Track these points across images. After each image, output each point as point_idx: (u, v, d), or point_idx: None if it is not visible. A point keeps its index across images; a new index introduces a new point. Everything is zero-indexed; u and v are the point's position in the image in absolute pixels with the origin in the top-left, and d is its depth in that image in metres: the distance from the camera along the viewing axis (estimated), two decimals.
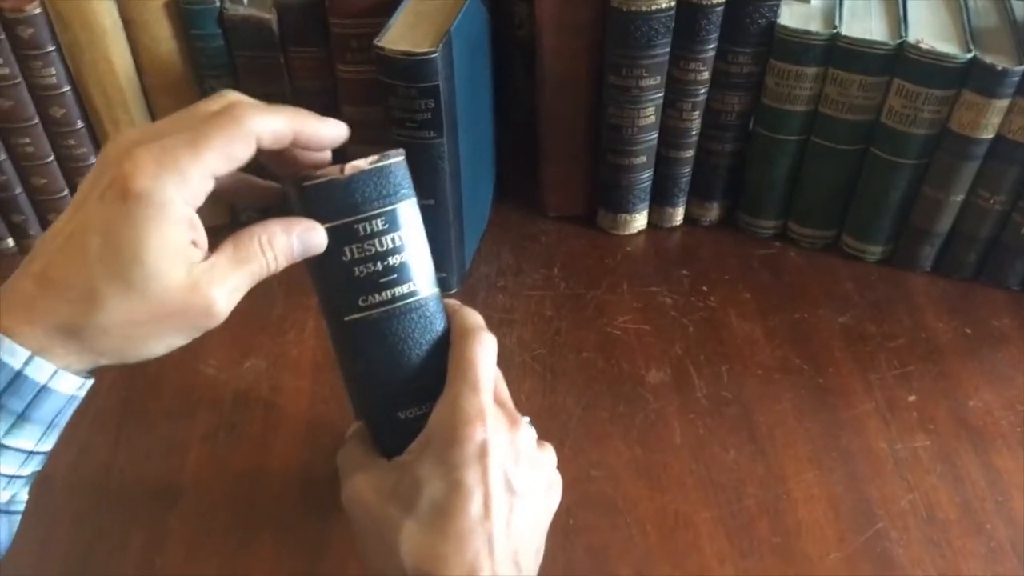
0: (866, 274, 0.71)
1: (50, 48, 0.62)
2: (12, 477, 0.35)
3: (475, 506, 0.36)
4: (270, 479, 0.56)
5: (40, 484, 0.54)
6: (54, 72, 0.63)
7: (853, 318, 0.67)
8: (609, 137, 0.69)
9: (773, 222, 0.74)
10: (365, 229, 0.38)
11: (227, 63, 0.65)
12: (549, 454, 0.42)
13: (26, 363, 0.32)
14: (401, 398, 0.41)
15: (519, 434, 0.40)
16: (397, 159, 0.39)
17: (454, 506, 0.36)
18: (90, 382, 0.36)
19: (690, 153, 0.71)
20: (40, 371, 0.33)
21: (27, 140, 0.67)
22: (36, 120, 0.66)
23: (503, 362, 0.43)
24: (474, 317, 0.42)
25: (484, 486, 0.37)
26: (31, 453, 0.35)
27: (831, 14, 0.63)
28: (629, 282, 0.70)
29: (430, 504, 0.37)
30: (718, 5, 0.62)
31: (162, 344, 0.35)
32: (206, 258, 0.35)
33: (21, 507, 0.37)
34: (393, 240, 0.39)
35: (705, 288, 0.70)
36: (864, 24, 0.63)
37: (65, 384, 0.34)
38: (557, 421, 0.59)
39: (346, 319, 0.40)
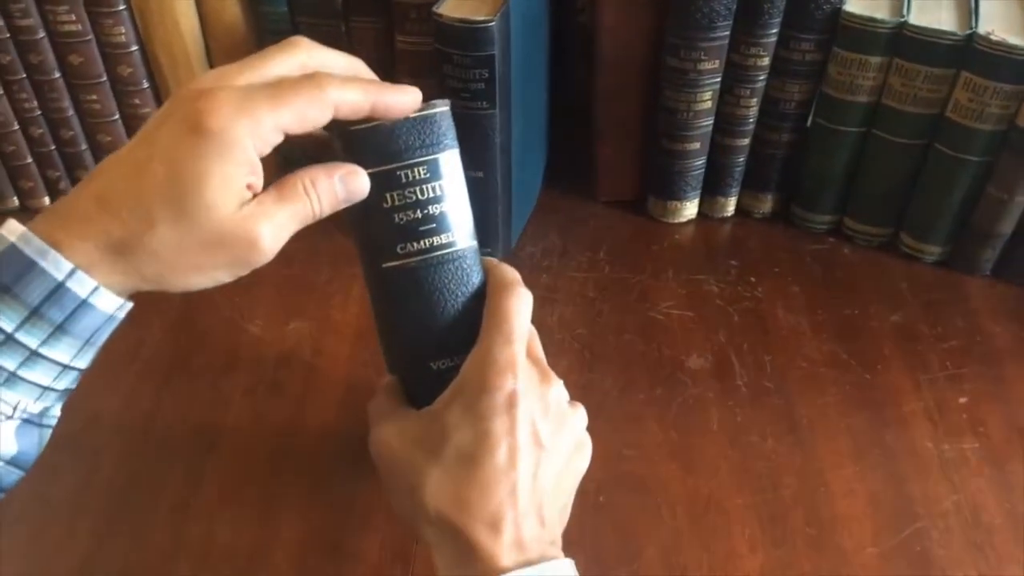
0: (922, 275, 0.69)
1: (121, 6, 0.64)
2: (45, 389, 0.36)
3: (501, 455, 0.36)
4: (306, 436, 0.56)
5: (88, 422, 0.56)
6: (123, 31, 0.65)
7: (906, 317, 0.65)
8: (664, 121, 0.68)
9: (828, 217, 0.72)
10: (407, 176, 0.39)
11: (289, 30, 0.66)
12: (580, 414, 0.42)
13: (69, 275, 0.33)
14: (434, 348, 0.41)
15: (550, 389, 0.40)
16: (443, 109, 0.40)
17: (480, 454, 0.36)
18: (129, 305, 0.36)
19: (745, 142, 0.70)
20: (81, 285, 0.33)
21: (94, 97, 0.69)
22: (104, 78, 0.68)
23: (543, 338, 0.44)
24: (511, 272, 0.42)
25: (511, 436, 0.37)
26: (65, 367, 0.36)
27: (900, 2, 0.62)
28: (675, 269, 0.69)
29: (456, 451, 0.37)
30: None
31: (207, 277, 0.36)
32: (255, 197, 0.36)
33: (53, 422, 0.38)
34: (434, 189, 0.39)
35: (753, 279, 0.68)
36: (933, 14, 0.61)
37: (105, 302, 0.34)
38: (593, 400, 0.57)
39: (384, 266, 0.40)
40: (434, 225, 0.40)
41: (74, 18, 0.64)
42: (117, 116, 0.70)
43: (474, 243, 0.41)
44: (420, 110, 0.39)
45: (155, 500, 0.52)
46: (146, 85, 0.69)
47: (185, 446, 0.55)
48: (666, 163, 0.70)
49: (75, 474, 0.54)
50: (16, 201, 0.75)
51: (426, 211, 0.39)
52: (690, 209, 0.74)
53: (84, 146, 0.71)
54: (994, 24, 0.59)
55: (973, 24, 0.59)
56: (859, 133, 0.66)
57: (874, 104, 0.64)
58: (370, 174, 0.38)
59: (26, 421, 0.36)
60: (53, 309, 0.33)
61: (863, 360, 0.62)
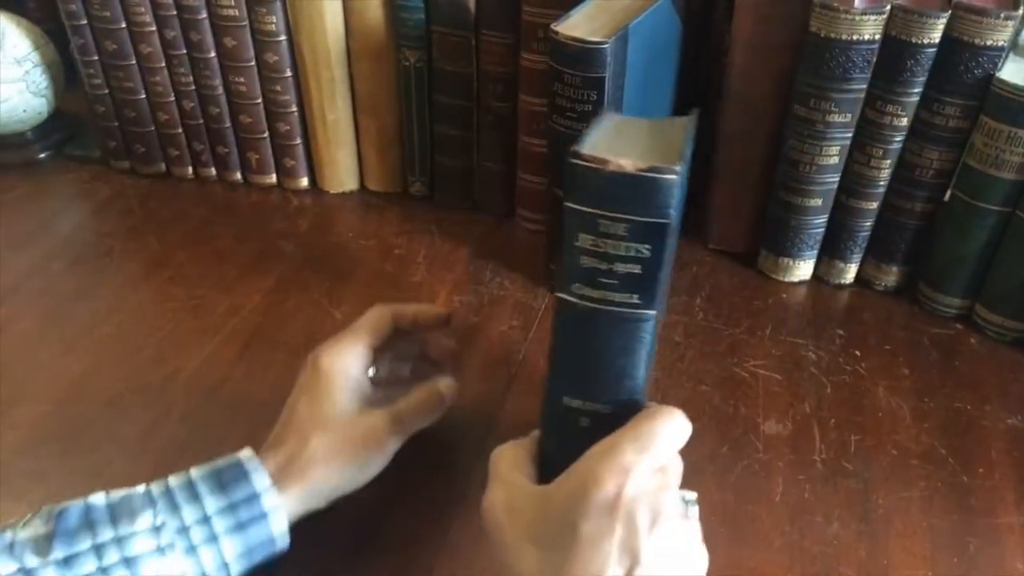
0: None
1: None
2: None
3: (586, 559, 0.36)
4: None
5: (167, 377, 0.59)
6: (274, 20, 0.70)
7: None
8: (784, 171, 0.65)
9: (958, 301, 0.66)
10: (606, 227, 0.37)
11: (423, 37, 0.68)
12: (693, 527, 0.40)
13: (265, 490, 0.44)
14: (572, 384, 0.41)
15: (665, 500, 0.37)
16: (668, 176, 0.36)
17: (567, 550, 0.36)
18: (286, 543, 0.45)
19: (874, 205, 0.65)
20: (269, 500, 0.44)
21: (242, 79, 0.74)
22: (253, 62, 0.73)
23: None
24: (678, 412, 0.40)
25: (602, 543, 0.36)
26: (224, 564, 0.43)
27: None
28: (774, 328, 0.65)
29: (551, 539, 0.37)
30: (930, 46, 0.57)
31: (350, 480, 0.47)
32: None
33: None
34: (627, 249, 0.38)
35: (858, 352, 0.63)
36: None
37: (276, 521, 0.44)
38: None
39: (558, 294, 0.40)
40: (616, 282, 0.38)
41: (233, 3, 0.69)
42: (260, 100, 0.75)
43: (651, 312, 0.39)
44: (640, 169, 0.36)
45: (210, 456, 0.54)
46: (289, 73, 0.73)
47: (248, 413, 0.57)
48: (783, 216, 0.67)
49: (144, 420, 0.57)
50: (164, 167, 0.81)
51: (612, 266, 0.38)
52: (804, 269, 0.69)
53: (228, 123, 0.77)
54: None
55: None
56: (1001, 213, 0.60)
57: (1021, 183, 0.58)
58: (569, 207, 0.37)
59: None
60: (243, 509, 0.43)
61: (964, 459, 0.55)
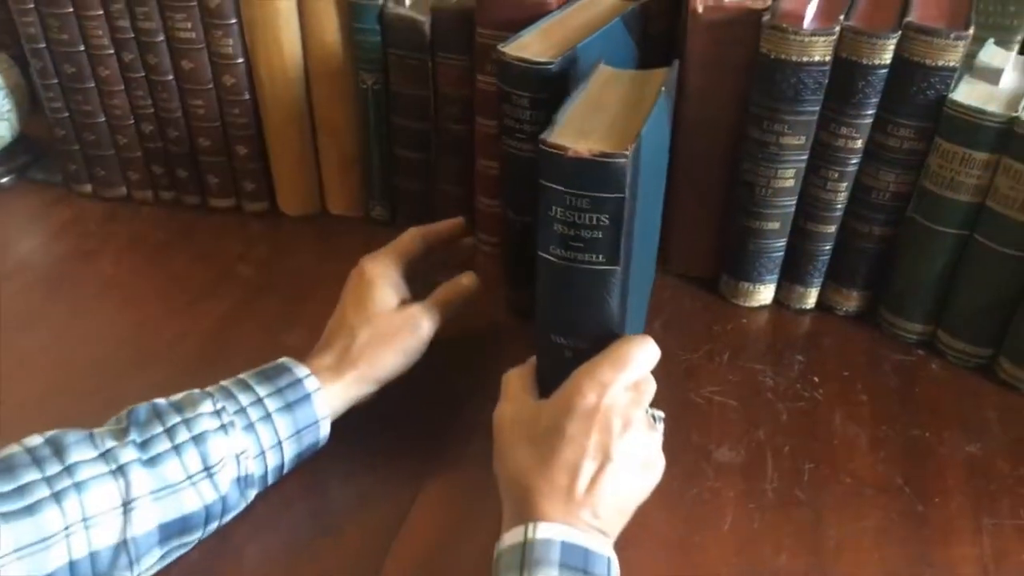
0: (1018, 407, 0.60)
1: (232, 20, 0.69)
2: (262, 452, 0.49)
3: (568, 454, 0.44)
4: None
5: (103, 406, 0.58)
6: (231, 43, 0.70)
7: (985, 450, 0.56)
8: (741, 195, 0.64)
9: (920, 326, 0.64)
10: (571, 201, 0.44)
11: (380, 59, 0.68)
12: (655, 437, 0.48)
13: (305, 376, 0.51)
14: (555, 324, 0.49)
15: (635, 412, 0.45)
16: (619, 160, 0.42)
17: (554, 448, 0.44)
18: (327, 425, 0.52)
19: (832, 229, 0.64)
20: (311, 384, 0.51)
21: (200, 102, 0.73)
22: (211, 85, 0.72)
23: None
24: (648, 339, 0.48)
25: (581, 441, 0.44)
26: (278, 444, 0.50)
27: (1017, 100, 0.55)
28: (733, 353, 0.64)
29: (540, 438, 0.45)
30: (881, 68, 0.56)
31: (397, 358, 0.55)
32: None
33: (243, 503, 0.50)
34: (591, 219, 0.44)
35: (816, 379, 0.62)
36: None
37: (319, 403, 0.51)
38: None
39: (538, 253, 0.47)
40: (582, 244, 0.45)
41: (190, 26, 0.69)
42: (218, 123, 0.74)
43: (615, 268, 0.46)
44: (595, 154, 0.42)
45: None
46: (247, 96, 0.73)
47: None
48: (742, 240, 0.66)
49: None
50: (124, 191, 0.80)
51: (579, 233, 0.45)
52: (764, 294, 0.68)
53: (187, 147, 0.76)
54: None
55: None
56: (959, 236, 0.59)
57: (978, 205, 0.57)
58: (542, 184, 0.44)
59: (237, 480, 0.48)
60: (289, 392, 0.50)
61: (920, 488, 0.54)
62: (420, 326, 0.55)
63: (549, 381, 0.48)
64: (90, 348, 0.64)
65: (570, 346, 0.49)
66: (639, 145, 0.43)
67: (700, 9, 0.59)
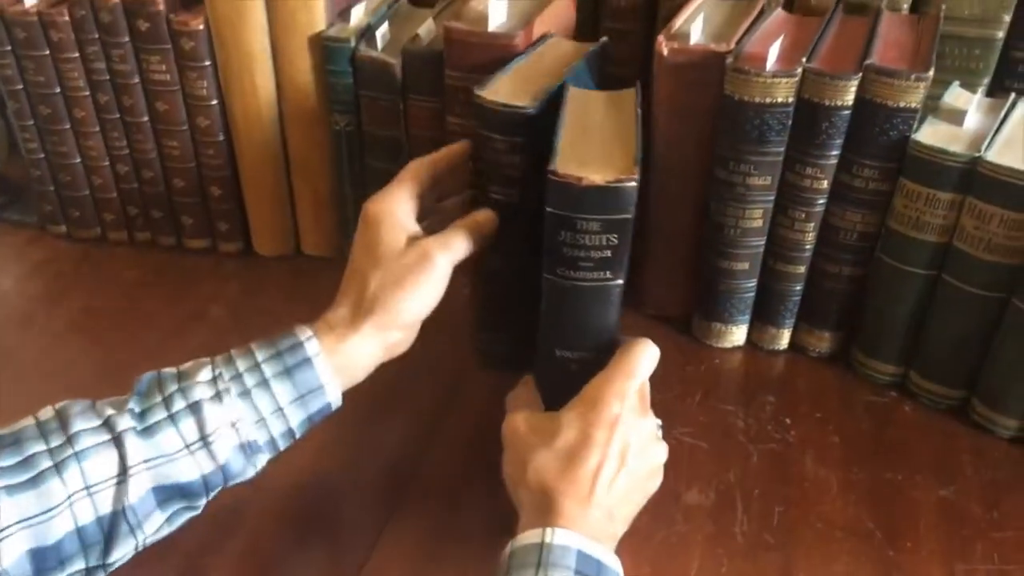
0: (992, 449, 0.59)
1: (206, 63, 0.69)
2: (261, 418, 0.48)
3: (593, 459, 0.46)
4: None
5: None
6: (206, 85, 0.70)
7: (958, 494, 0.56)
8: (711, 235, 0.64)
9: (892, 368, 0.64)
10: (582, 225, 0.47)
11: (352, 101, 0.68)
12: (663, 448, 0.50)
13: (307, 339, 0.49)
14: (562, 340, 0.51)
15: (645, 422, 0.49)
16: (629, 184, 0.46)
17: (579, 453, 0.46)
18: (337, 394, 0.50)
19: (801, 269, 0.64)
20: (312, 348, 0.49)
21: (175, 143, 0.74)
22: (185, 126, 0.73)
23: None
24: (649, 342, 0.51)
25: (605, 447, 0.46)
26: (279, 410, 0.48)
27: (980, 140, 0.56)
28: (704, 394, 0.64)
29: (564, 444, 0.46)
30: (844, 109, 0.56)
31: (416, 299, 0.51)
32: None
33: (252, 471, 0.49)
34: (601, 240, 0.47)
35: (788, 420, 0.61)
36: (1019, 154, 0.54)
37: (321, 367, 0.49)
38: None
39: (545, 275, 0.50)
40: (591, 264, 0.48)
41: (164, 68, 0.70)
42: (193, 164, 0.75)
43: (620, 281, 0.49)
44: (609, 181, 0.45)
45: None
46: (221, 137, 0.73)
47: None
48: (712, 281, 0.66)
49: None
50: (99, 231, 0.80)
51: (589, 254, 0.48)
52: (737, 335, 0.68)
53: (162, 187, 0.76)
54: None
55: None
56: (927, 276, 0.59)
57: (944, 245, 0.57)
58: (553, 213, 0.47)
59: (240, 446, 0.47)
60: (288, 356, 0.49)
61: (891, 532, 0.53)
62: (434, 261, 0.51)
63: (556, 394, 0.50)
64: (58, 386, 0.62)
65: (575, 359, 0.52)
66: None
67: (665, 52, 0.60)
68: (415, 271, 0.50)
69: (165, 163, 0.75)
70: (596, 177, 0.46)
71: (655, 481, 0.50)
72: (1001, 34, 0.65)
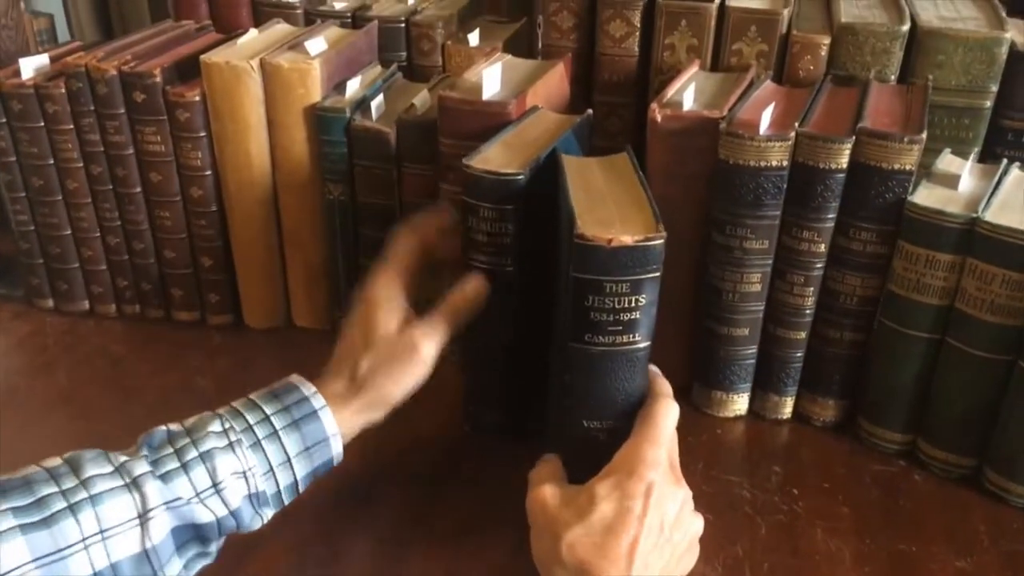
0: (1007, 519, 0.57)
1: (201, 133, 0.69)
2: (270, 469, 0.49)
3: (630, 532, 0.44)
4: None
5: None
6: (200, 156, 0.70)
7: (977, 566, 0.53)
8: (709, 300, 0.63)
9: (899, 436, 0.62)
10: (611, 288, 0.46)
11: (346, 171, 0.68)
12: (699, 522, 0.49)
13: (312, 394, 0.52)
14: (590, 410, 0.50)
15: (680, 491, 0.48)
16: (658, 242, 0.46)
17: (616, 526, 0.44)
18: (339, 444, 0.52)
19: (802, 335, 0.63)
20: (317, 402, 0.51)
21: (167, 214, 0.73)
22: (178, 197, 0.72)
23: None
24: (666, 385, 0.52)
25: (642, 519, 0.45)
26: (287, 461, 0.49)
27: (977, 202, 0.56)
28: (707, 465, 0.62)
29: (600, 517, 0.45)
30: (838, 172, 0.57)
31: (399, 385, 0.54)
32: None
33: (259, 523, 0.49)
34: (631, 301, 0.47)
35: (795, 491, 0.59)
36: (1016, 215, 0.54)
37: (327, 421, 0.51)
38: None
39: (570, 344, 0.48)
40: (620, 328, 0.47)
41: (159, 139, 0.70)
42: (185, 234, 0.74)
43: (647, 343, 0.48)
44: (638, 240, 0.45)
45: None
46: (214, 208, 0.72)
47: None
48: (711, 347, 0.64)
49: None
50: (87, 305, 0.79)
51: (619, 316, 0.47)
52: (739, 404, 0.66)
53: (152, 259, 0.75)
54: None
55: None
56: (931, 340, 0.58)
57: (947, 308, 0.57)
58: (577, 278, 0.46)
59: (249, 496, 0.48)
60: (295, 409, 0.51)
61: None
62: (421, 352, 0.54)
63: (583, 467, 0.49)
64: (40, 459, 0.61)
65: (604, 428, 0.50)
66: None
67: (659, 118, 0.60)
68: (403, 360, 0.54)
69: (156, 234, 0.74)
70: (625, 238, 0.45)
71: (692, 554, 0.49)
72: (989, 103, 0.66)
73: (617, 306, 0.47)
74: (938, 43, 0.65)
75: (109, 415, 0.67)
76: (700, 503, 0.58)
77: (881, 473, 0.61)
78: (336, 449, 0.52)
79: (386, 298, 0.55)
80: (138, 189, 0.72)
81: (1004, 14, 0.68)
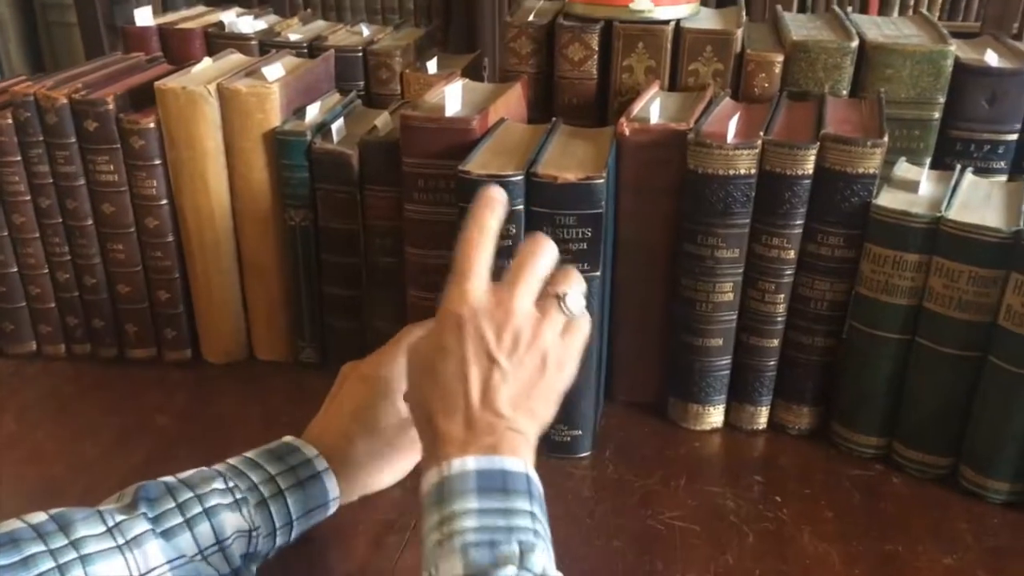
0: (987, 515, 0.57)
1: (156, 161, 0.67)
2: (273, 531, 0.48)
3: (452, 363, 0.43)
4: None
5: None
6: (155, 184, 0.68)
7: (963, 563, 0.53)
8: (682, 312, 0.63)
9: (875, 439, 0.63)
10: (560, 220, 0.55)
11: (308, 195, 0.67)
12: (554, 324, 0.45)
13: (315, 456, 0.51)
14: None
15: (510, 312, 0.44)
16: (598, 181, 0.54)
17: (437, 362, 0.44)
18: (337, 502, 0.51)
19: (775, 342, 0.63)
20: (320, 464, 0.51)
21: (120, 247, 0.70)
22: (132, 228, 0.70)
23: None
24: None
25: (460, 349, 0.43)
26: (288, 524, 0.49)
27: (938, 204, 0.57)
28: (689, 477, 0.61)
29: (430, 359, 0.44)
30: (804, 178, 0.57)
31: (390, 474, 0.53)
32: None
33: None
34: (576, 233, 0.55)
35: (779, 498, 0.59)
36: (977, 212, 0.56)
37: (330, 483, 0.50)
38: None
39: None
40: (571, 256, 0.55)
41: (112, 168, 0.68)
42: (139, 267, 0.71)
43: (597, 273, 0.57)
44: (580, 179, 0.54)
45: None
46: (170, 238, 0.70)
47: None
48: (686, 359, 0.64)
49: None
50: (34, 346, 0.75)
51: (567, 246, 0.55)
52: (715, 416, 0.66)
53: (105, 294, 0.72)
54: None
55: (1022, 223, 0.53)
56: (901, 341, 0.59)
57: (915, 308, 0.57)
58: (534, 211, 0.56)
59: (246, 555, 0.47)
60: (301, 469, 0.50)
61: None
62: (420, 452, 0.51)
63: None
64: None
65: None
66: (609, 171, 0.55)
67: (627, 132, 0.60)
68: (402, 455, 0.53)
69: (109, 268, 0.71)
70: (570, 175, 0.54)
71: (555, 366, 0.45)
72: (938, 115, 0.68)
73: (566, 236, 0.54)
74: (887, 58, 0.67)
75: (61, 457, 0.63)
76: (686, 515, 0.57)
77: (860, 477, 0.61)
78: (331, 511, 0.51)
79: (389, 390, 0.52)
80: (89, 221, 0.70)
81: (945, 31, 0.71)
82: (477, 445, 0.41)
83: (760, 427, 0.66)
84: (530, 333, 0.44)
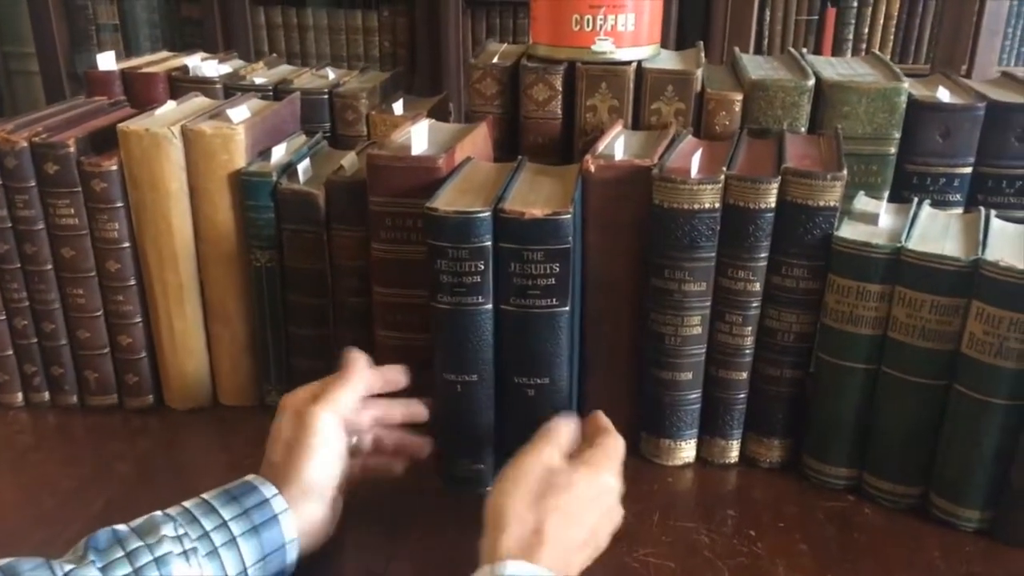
0: (959, 544, 0.58)
1: (119, 204, 0.67)
2: None
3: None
4: None
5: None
6: (117, 227, 0.67)
7: None
8: (651, 346, 0.63)
9: (845, 471, 0.63)
10: (528, 256, 0.55)
11: (274, 236, 0.67)
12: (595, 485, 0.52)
13: (273, 496, 0.50)
14: (519, 367, 0.58)
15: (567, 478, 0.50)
16: (565, 216, 0.55)
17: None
18: (296, 550, 0.50)
19: (743, 375, 0.63)
20: (278, 505, 0.50)
21: (81, 291, 0.69)
22: (93, 272, 0.69)
23: None
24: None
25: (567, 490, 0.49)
26: (243, 572, 0.48)
27: (898, 235, 0.58)
28: (662, 513, 0.60)
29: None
30: (767, 211, 0.58)
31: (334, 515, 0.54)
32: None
33: None
34: (544, 268, 0.55)
35: (753, 532, 0.58)
36: (936, 244, 0.57)
37: (287, 525, 0.50)
38: None
39: (500, 306, 0.57)
40: (539, 292, 0.56)
41: (73, 212, 0.67)
42: (100, 312, 0.70)
43: (566, 309, 0.57)
44: (547, 214, 0.54)
45: None
46: (132, 282, 0.69)
47: None
48: (656, 394, 0.64)
49: None
50: None
51: (535, 282, 0.56)
52: (687, 451, 0.66)
53: (64, 340, 0.71)
54: (1004, 253, 0.54)
55: (980, 252, 0.54)
56: (867, 371, 0.59)
57: (880, 337, 0.58)
58: (502, 247, 0.56)
59: None
60: (255, 512, 0.49)
61: None
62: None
63: (517, 420, 0.57)
64: None
65: (532, 384, 0.58)
66: (575, 207, 0.56)
67: (593, 168, 0.61)
68: (337, 505, 0.54)
69: (69, 313, 0.70)
70: (536, 212, 0.54)
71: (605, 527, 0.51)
72: (893, 150, 0.70)
73: (533, 272, 0.55)
74: (843, 95, 0.69)
75: (18, 509, 0.61)
76: (660, 552, 0.57)
77: (832, 508, 0.61)
78: (291, 556, 0.50)
79: (332, 439, 0.53)
80: (49, 266, 0.68)
81: (898, 70, 0.73)
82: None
83: (732, 461, 0.66)
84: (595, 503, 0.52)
